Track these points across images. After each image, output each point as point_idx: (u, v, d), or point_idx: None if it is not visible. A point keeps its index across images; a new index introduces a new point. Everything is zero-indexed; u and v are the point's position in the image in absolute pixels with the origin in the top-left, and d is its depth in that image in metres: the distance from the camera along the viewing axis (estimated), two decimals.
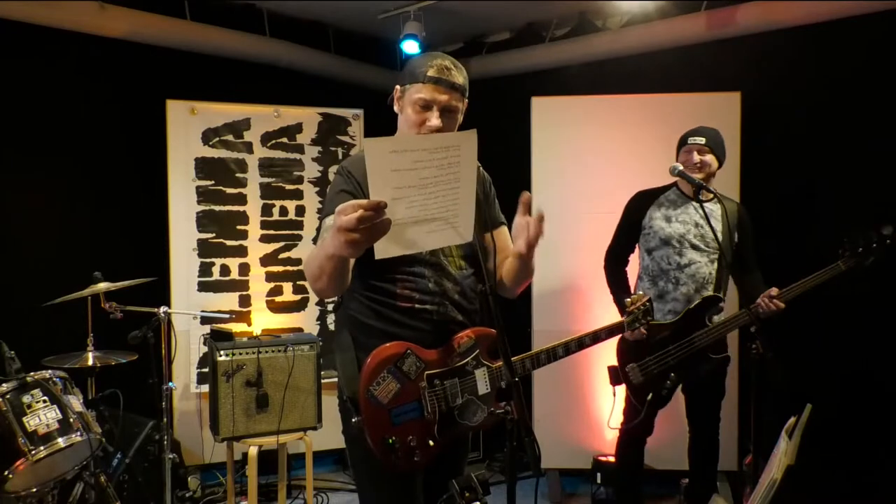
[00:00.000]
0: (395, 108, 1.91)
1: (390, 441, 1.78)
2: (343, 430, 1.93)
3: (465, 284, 1.93)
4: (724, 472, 3.95)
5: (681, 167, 2.94)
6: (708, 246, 3.09)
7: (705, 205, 3.07)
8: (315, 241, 1.76)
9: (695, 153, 3.06)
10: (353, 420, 1.79)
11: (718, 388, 3.17)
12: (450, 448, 1.90)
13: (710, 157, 3.06)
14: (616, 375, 3.11)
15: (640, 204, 3.22)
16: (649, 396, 3.03)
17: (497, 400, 1.92)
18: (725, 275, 3.11)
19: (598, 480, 3.91)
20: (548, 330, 3.99)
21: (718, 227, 3.08)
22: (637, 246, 3.27)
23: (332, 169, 4.37)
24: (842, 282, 3.75)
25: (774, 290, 2.93)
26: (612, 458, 3.93)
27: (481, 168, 2.02)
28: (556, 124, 4.07)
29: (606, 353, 3.96)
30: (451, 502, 1.59)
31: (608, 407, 4.01)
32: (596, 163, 4.02)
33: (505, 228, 2.05)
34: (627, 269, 3.30)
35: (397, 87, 1.89)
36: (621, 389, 3.12)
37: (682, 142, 3.16)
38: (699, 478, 3.32)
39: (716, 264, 3.10)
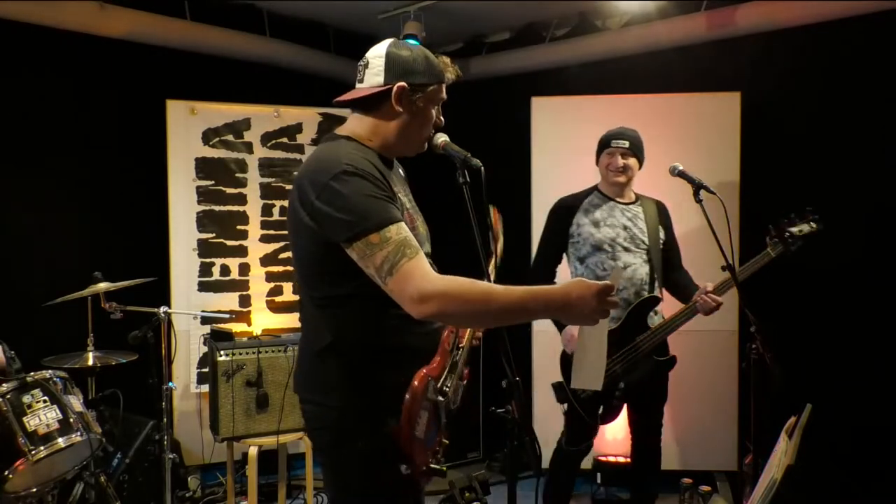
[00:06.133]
0: (397, 107, 1.73)
1: (432, 466, 1.75)
2: (356, 484, 1.75)
3: None
4: (724, 472, 3.95)
5: (681, 167, 2.80)
6: (638, 247, 3.04)
7: (630, 207, 3.09)
8: (377, 250, 1.59)
9: (618, 156, 3.05)
10: (403, 468, 1.69)
11: (662, 392, 3.09)
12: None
13: (633, 161, 3.08)
14: (562, 392, 2.92)
15: (566, 212, 3.13)
16: (601, 409, 2.93)
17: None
18: (658, 275, 3.06)
19: (598, 480, 3.91)
20: (548, 330, 3.98)
21: (645, 227, 3.06)
22: (564, 256, 3.17)
23: None
24: (841, 281, 3.76)
25: (710, 285, 2.88)
26: (612, 458, 3.94)
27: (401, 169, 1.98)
28: (556, 124, 4.06)
29: None
30: (452, 502, 1.59)
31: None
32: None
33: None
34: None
35: (403, 83, 1.72)
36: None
37: (605, 144, 3.11)
38: (640, 487, 3.23)
39: (648, 265, 3.04)
